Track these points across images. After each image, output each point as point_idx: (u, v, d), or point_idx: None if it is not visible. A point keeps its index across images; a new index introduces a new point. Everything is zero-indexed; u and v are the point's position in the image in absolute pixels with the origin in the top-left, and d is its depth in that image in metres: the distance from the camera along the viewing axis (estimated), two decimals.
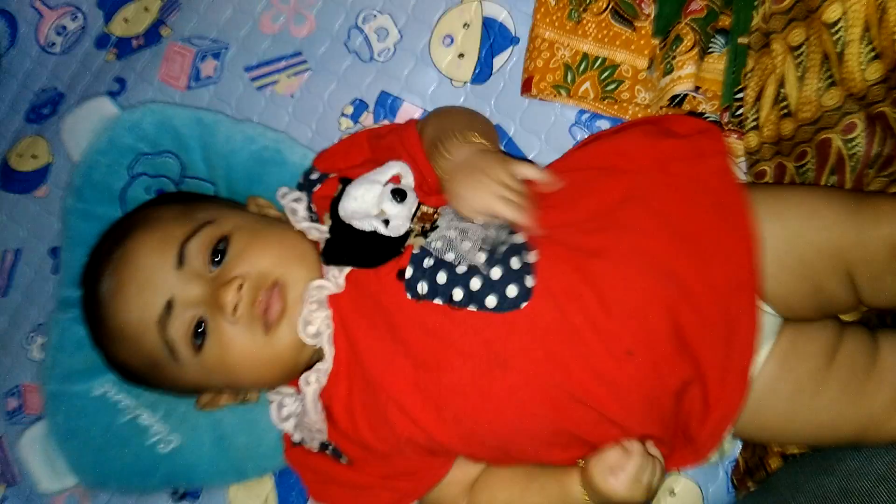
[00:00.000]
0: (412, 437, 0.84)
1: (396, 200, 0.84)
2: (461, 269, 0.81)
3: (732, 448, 0.96)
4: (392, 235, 0.84)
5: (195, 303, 0.84)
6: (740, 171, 0.94)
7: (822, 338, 0.87)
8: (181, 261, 0.85)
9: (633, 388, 0.80)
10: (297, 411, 0.89)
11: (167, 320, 0.84)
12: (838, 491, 0.80)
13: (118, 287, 0.87)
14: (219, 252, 0.85)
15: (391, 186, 0.85)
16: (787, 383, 0.86)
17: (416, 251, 0.83)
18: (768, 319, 0.85)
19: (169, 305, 0.84)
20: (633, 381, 0.80)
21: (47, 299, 1.14)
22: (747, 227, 0.83)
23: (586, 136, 1.00)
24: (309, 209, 0.92)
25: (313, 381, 0.85)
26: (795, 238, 0.83)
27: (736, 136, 0.93)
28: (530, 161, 0.98)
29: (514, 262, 0.81)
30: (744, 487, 0.95)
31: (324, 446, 0.90)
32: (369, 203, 0.84)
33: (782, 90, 0.88)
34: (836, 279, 0.83)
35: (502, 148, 1.02)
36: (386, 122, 1.06)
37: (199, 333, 0.85)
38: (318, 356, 0.86)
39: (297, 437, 0.91)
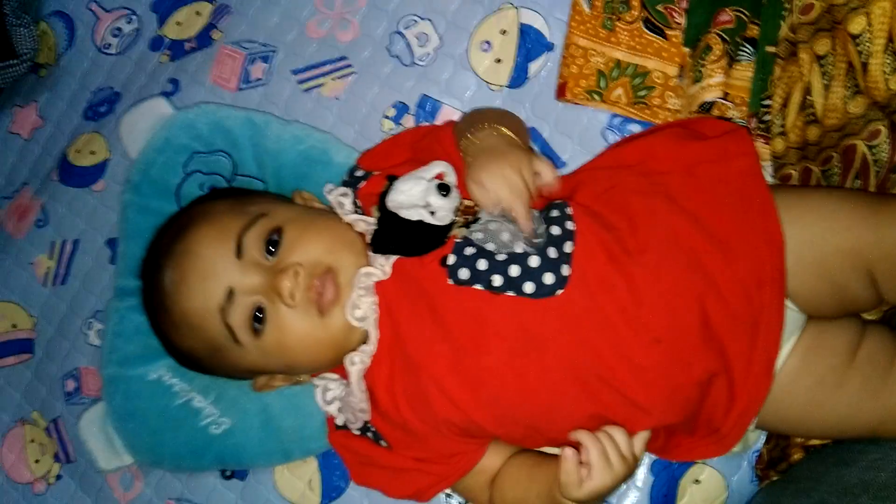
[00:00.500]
0: (450, 418, 0.88)
1: (441, 195, 0.88)
2: (501, 257, 0.86)
3: (756, 439, 0.98)
4: (438, 224, 0.89)
5: (254, 290, 0.89)
6: (766, 172, 0.96)
7: (845, 335, 0.89)
8: (239, 251, 0.89)
9: (660, 375, 0.84)
10: (341, 395, 0.94)
11: (228, 307, 0.89)
12: (858, 482, 0.82)
13: (181, 278, 0.91)
14: (273, 242, 0.90)
15: (436, 182, 0.89)
16: (809, 377, 0.88)
17: (458, 240, 0.88)
18: (792, 316, 0.88)
19: (230, 293, 0.89)
20: (659, 368, 0.84)
21: (104, 287, 1.18)
22: (773, 225, 0.86)
23: (618, 139, 1.02)
24: (355, 203, 0.97)
25: (358, 362, 0.89)
26: (816, 240, 0.86)
27: (763, 141, 0.95)
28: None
29: (552, 252, 0.85)
30: (766, 478, 0.97)
31: (364, 430, 0.95)
32: (416, 196, 0.88)
33: (808, 97, 0.90)
34: (856, 278, 0.85)
35: (535, 147, 1.05)
36: (426, 124, 1.09)
37: (258, 318, 0.89)
38: (363, 340, 0.91)
39: (340, 420, 0.95)
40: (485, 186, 0.86)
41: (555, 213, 0.89)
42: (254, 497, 1.11)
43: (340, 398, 0.94)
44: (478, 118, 0.98)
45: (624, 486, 0.94)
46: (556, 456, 0.94)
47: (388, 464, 0.95)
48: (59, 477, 1.21)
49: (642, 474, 1.00)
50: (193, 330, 0.93)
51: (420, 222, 0.88)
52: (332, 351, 0.91)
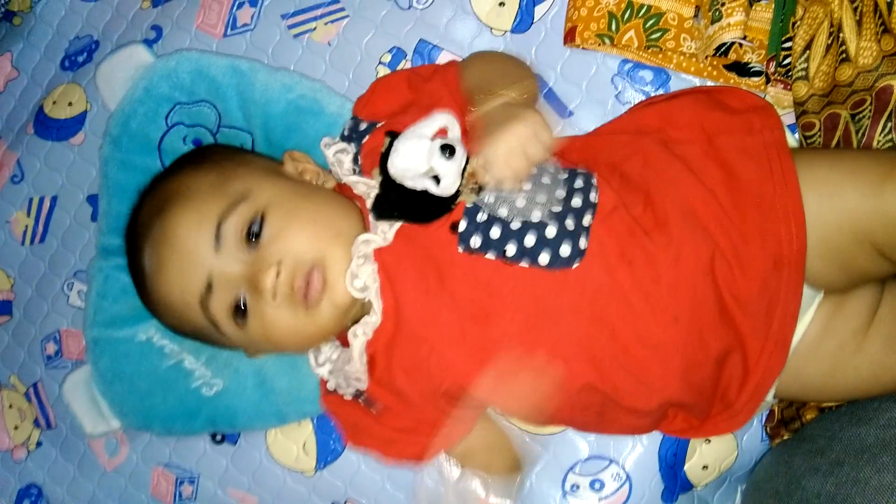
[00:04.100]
0: (450, 390, 0.85)
1: (446, 156, 0.83)
2: (515, 225, 0.82)
3: (770, 400, 0.97)
4: (444, 195, 0.84)
5: (234, 283, 0.85)
6: (787, 123, 0.93)
7: (864, 297, 0.88)
8: (218, 241, 0.85)
9: (676, 353, 0.82)
10: (334, 357, 0.91)
11: (208, 299, 0.86)
12: (876, 441, 0.81)
13: (159, 265, 0.88)
14: (254, 232, 0.85)
15: (440, 141, 0.84)
16: (830, 343, 0.87)
17: (469, 205, 0.83)
18: (808, 292, 0.86)
19: (209, 285, 0.85)
20: (676, 346, 0.82)
21: (86, 246, 1.15)
22: (795, 204, 0.83)
23: (627, 86, 0.99)
24: (355, 161, 0.92)
25: (361, 335, 0.86)
26: (816, 221, 0.83)
27: (782, 86, 0.93)
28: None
29: (570, 223, 0.81)
30: (777, 436, 0.97)
31: (357, 395, 0.92)
32: (418, 159, 0.83)
33: (841, 34, 0.87)
34: (862, 253, 0.82)
35: (542, 98, 1.01)
36: None
37: (240, 311, 0.86)
38: (364, 309, 0.87)
39: (331, 384, 0.92)
40: (493, 156, 0.82)
41: (579, 182, 0.85)
42: (246, 462, 1.09)
43: (332, 361, 0.91)
44: (487, 75, 0.93)
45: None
46: None
47: (377, 434, 0.93)
48: (39, 444, 1.19)
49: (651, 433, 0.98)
50: (177, 315, 0.90)
51: (425, 192, 0.84)
52: (324, 337, 0.89)
